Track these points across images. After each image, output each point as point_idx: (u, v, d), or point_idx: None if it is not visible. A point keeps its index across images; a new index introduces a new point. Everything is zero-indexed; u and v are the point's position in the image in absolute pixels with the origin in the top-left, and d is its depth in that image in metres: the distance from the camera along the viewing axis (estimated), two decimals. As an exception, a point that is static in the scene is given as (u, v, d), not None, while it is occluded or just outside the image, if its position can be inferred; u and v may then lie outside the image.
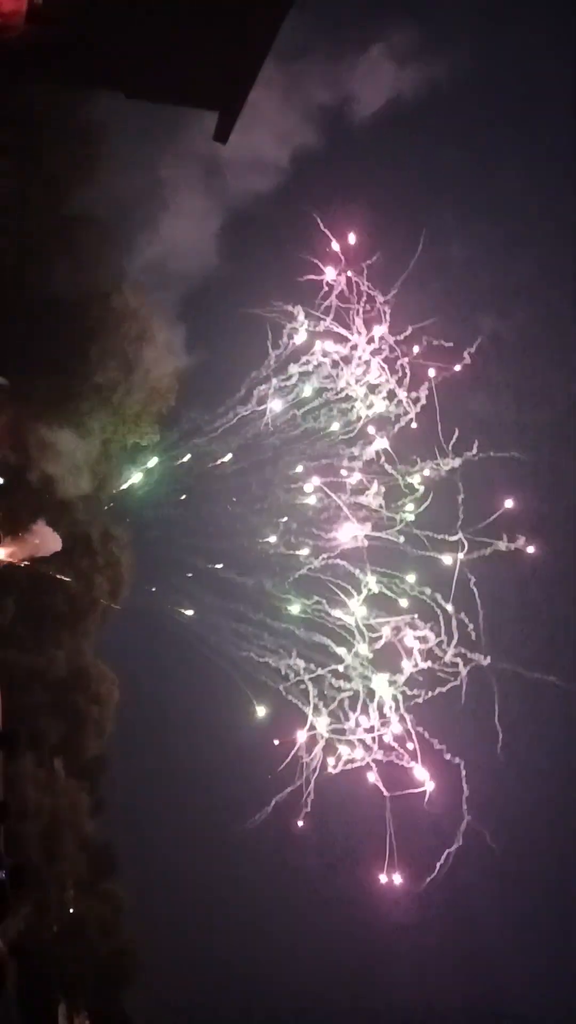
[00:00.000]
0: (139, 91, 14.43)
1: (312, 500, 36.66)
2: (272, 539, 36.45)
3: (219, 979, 37.76)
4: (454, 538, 36.23)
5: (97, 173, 29.57)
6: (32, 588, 32.13)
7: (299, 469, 36.73)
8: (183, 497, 36.60)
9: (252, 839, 35.28)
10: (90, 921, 31.28)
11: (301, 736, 35.55)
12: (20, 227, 26.97)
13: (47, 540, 30.98)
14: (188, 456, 36.34)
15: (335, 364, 36.52)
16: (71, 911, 30.99)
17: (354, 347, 36.50)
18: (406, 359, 36.39)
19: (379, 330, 36.34)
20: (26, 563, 31.00)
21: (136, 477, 35.86)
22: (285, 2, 14.22)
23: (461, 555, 36.02)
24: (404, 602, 36.50)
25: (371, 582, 36.34)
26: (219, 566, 36.35)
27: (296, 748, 35.47)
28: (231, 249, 34.07)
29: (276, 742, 35.45)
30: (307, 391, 36.31)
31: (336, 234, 35.57)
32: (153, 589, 36.44)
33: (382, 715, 36.08)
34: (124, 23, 13.55)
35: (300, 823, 35.28)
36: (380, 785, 35.62)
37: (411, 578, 36.56)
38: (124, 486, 35.83)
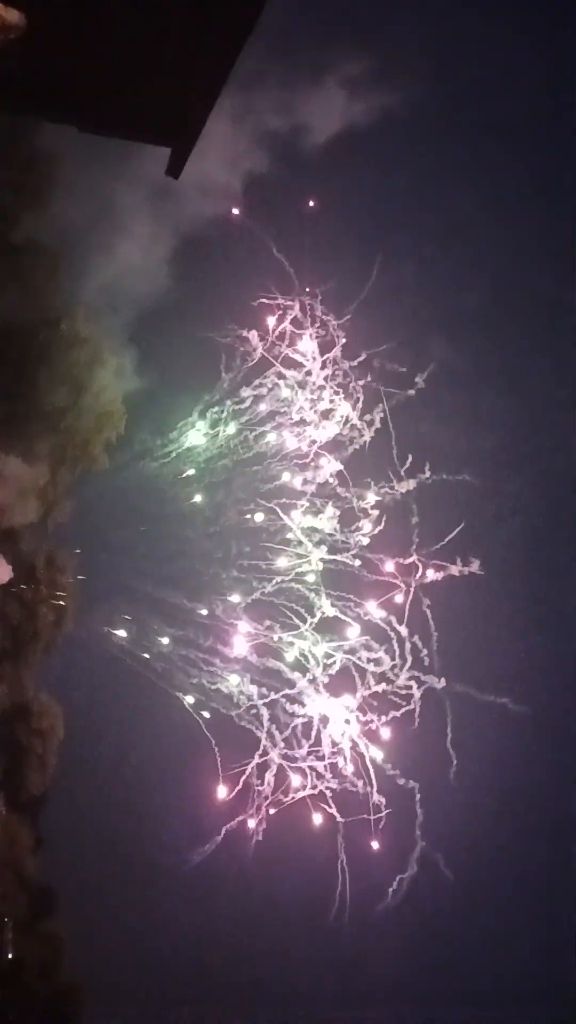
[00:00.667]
0: (91, 125, 14.35)
1: (262, 521, 36.66)
2: (223, 562, 36.29)
3: (169, 1017, 36.84)
4: (408, 561, 36.57)
5: (45, 201, 29.48)
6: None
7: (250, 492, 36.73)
8: (142, 529, 36.22)
9: (202, 871, 34.83)
10: (30, 963, 30.31)
11: (252, 763, 35.26)
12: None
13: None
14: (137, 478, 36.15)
15: (289, 387, 36.86)
16: (9, 955, 30.02)
17: (308, 372, 36.80)
18: (360, 383, 36.98)
19: (332, 354, 36.91)
20: None
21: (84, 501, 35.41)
22: (238, 41, 14.39)
23: (415, 578, 36.36)
24: (356, 627, 36.62)
25: (325, 605, 36.36)
26: (168, 592, 35.97)
27: (247, 775, 35.18)
28: (183, 273, 34.14)
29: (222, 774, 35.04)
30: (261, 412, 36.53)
31: (289, 259, 36.18)
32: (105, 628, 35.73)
33: (334, 742, 36.03)
34: (77, 56, 13.55)
35: (251, 851, 34.98)
36: (334, 811, 35.53)
37: (369, 604, 36.73)
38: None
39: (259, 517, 36.63)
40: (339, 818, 35.68)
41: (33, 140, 28.63)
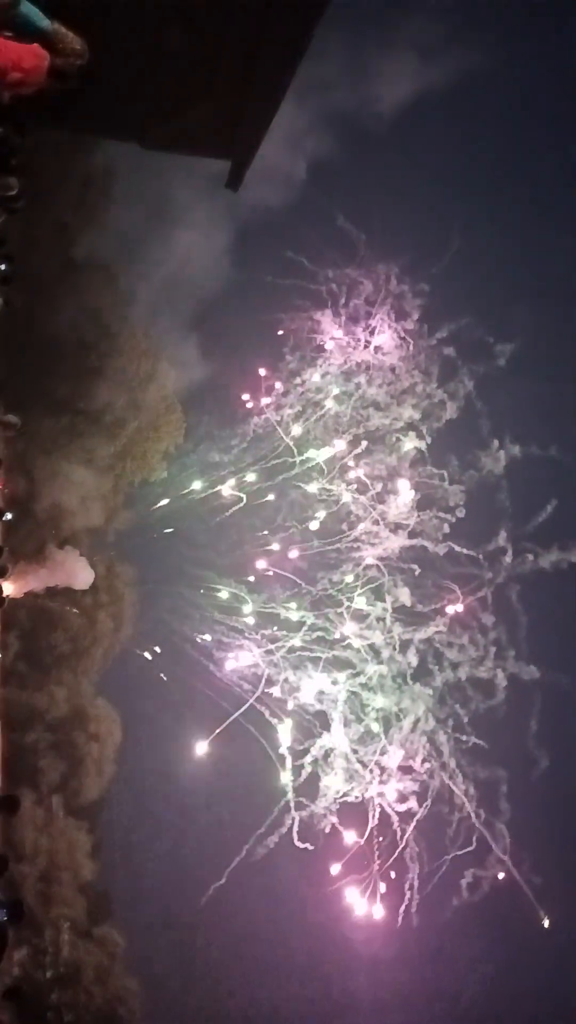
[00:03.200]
0: (154, 142, 14.78)
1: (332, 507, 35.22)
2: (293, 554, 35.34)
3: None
4: (494, 546, 34.63)
5: (103, 217, 30.22)
6: (34, 625, 32.05)
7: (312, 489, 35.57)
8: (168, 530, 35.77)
9: (256, 876, 34.22)
10: (86, 967, 30.66)
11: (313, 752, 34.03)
12: (28, 270, 27.52)
13: (78, 571, 30.21)
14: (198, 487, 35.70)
15: (359, 368, 35.50)
16: (67, 956, 30.39)
17: (377, 348, 35.49)
18: (434, 356, 35.27)
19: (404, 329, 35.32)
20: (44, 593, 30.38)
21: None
22: (294, 58, 14.68)
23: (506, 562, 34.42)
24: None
25: (403, 595, 34.70)
26: (225, 594, 35.19)
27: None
28: (245, 259, 33.19)
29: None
30: (330, 400, 35.24)
31: (360, 233, 34.53)
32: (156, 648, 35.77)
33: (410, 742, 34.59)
34: (139, 75, 13.98)
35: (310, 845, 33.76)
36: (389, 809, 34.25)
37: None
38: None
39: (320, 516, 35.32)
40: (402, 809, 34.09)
41: (92, 157, 29.40)
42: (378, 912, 34.00)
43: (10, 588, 25.55)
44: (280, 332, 35.08)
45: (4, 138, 10.10)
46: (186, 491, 35.54)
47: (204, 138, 15.22)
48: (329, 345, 35.44)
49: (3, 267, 16.80)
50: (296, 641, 34.43)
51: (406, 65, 32.48)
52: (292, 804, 33.42)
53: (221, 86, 14.43)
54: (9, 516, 24.80)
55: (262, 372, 35.32)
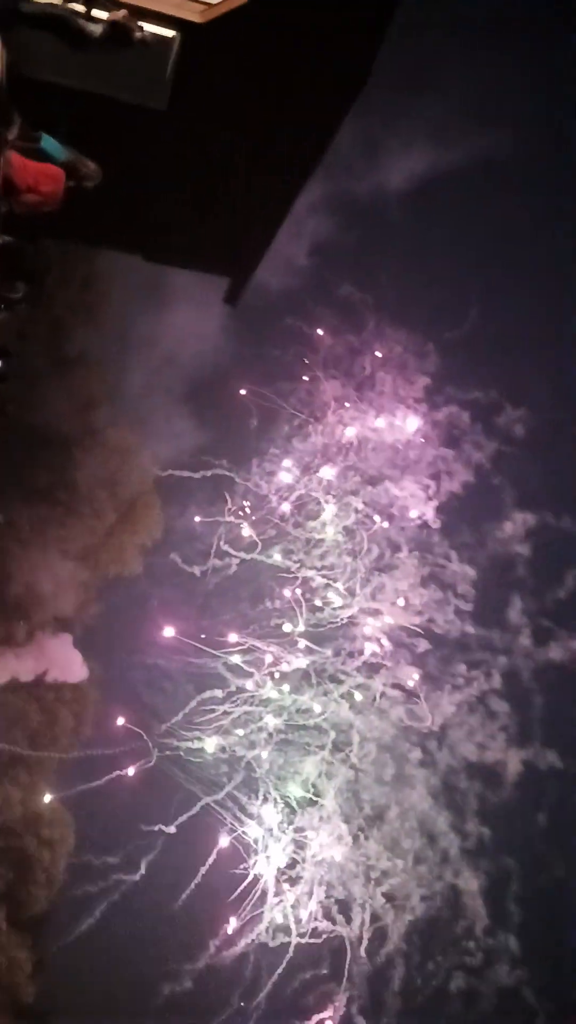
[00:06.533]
0: (157, 255, 15.36)
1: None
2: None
3: None
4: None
5: (100, 317, 31.07)
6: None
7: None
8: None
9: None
10: None
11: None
12: (21, 365, 27.99)
13: (73, 664, 29.13)
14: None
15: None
16: None
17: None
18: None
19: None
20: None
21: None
22: (297, 182, 15.46)
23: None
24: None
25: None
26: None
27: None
28: (240, 335, 32.98)
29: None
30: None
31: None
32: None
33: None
34: (146, 193, 14.65)
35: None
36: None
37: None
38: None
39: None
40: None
41: (93, 263, 30.42)
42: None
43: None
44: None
45: (18, 247, 10.52)
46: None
47: (205, 255, 15.83)
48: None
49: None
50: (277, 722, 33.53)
51: (417, 146, 32.21)
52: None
53: (225, 206, 15.16)
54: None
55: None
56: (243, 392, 34.15)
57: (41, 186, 8.86)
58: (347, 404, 35.15)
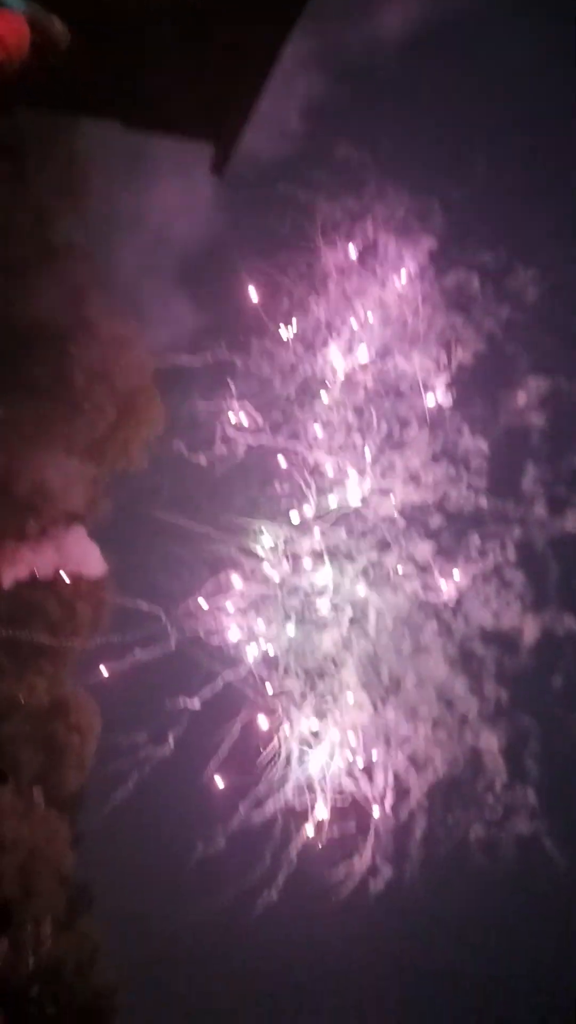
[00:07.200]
0: (135, 121, 14.38)
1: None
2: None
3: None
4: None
5: (85, 202, 29.62)
6: (11, 614, 31.63)
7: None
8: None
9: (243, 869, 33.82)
10: (67, 961, 30.45)
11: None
12: (5, 255, 26.89)
13: (89, 557, 29.03)
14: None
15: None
16: (48, 950, 30.16)
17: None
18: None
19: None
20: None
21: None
22: (280, 36, 14.31)
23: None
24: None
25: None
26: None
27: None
28: (232, 206, 31.24)
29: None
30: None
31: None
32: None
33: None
34: (122, 52, 13.59)
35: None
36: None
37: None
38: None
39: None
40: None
41: (73, 141, 28.74)
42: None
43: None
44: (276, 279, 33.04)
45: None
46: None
47: (188, 120, 14.82)
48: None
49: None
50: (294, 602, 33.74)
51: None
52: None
53: (206, 64, 14.10)
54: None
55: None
56: (238, 268, 32.68)
57: (4, 39, 8.11)
58: (350, 274, 33.54)
